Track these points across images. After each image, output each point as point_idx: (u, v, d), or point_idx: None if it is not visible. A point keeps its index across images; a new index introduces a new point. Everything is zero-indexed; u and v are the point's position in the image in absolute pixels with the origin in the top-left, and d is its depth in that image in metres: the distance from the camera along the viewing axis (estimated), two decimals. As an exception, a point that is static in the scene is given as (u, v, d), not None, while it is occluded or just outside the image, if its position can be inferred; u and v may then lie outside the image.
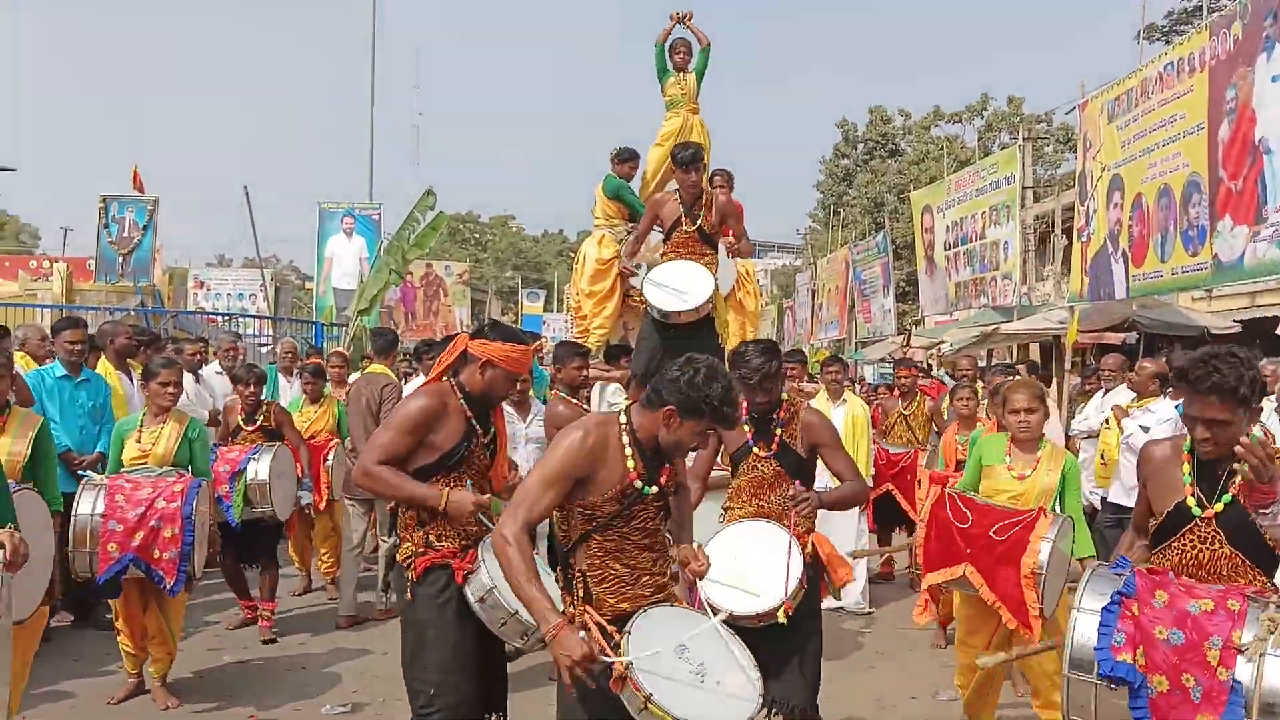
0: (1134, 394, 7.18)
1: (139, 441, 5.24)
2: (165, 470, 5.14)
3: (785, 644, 3.91)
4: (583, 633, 2.86)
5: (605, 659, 2.80)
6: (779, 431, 4.18)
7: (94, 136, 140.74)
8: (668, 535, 3.30)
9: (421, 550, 3.56)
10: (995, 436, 4.92)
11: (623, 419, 3.13)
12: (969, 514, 4.39)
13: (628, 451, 3.05)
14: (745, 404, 4.06)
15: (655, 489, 3.09)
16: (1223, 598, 2.82)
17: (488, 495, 3.59)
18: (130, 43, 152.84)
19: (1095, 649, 2.88)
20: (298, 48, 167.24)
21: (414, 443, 3.52)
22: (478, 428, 3.62)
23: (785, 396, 4.24)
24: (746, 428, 4.22)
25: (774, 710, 3.88)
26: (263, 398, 6.76)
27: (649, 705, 2.71)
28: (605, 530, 3.04)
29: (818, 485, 4.29)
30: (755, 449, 4.21)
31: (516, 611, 3.36)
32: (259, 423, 6.58)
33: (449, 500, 3.46)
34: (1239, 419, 2.92)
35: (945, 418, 7.79)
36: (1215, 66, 13.40)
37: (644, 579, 3.10)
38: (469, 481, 3.59)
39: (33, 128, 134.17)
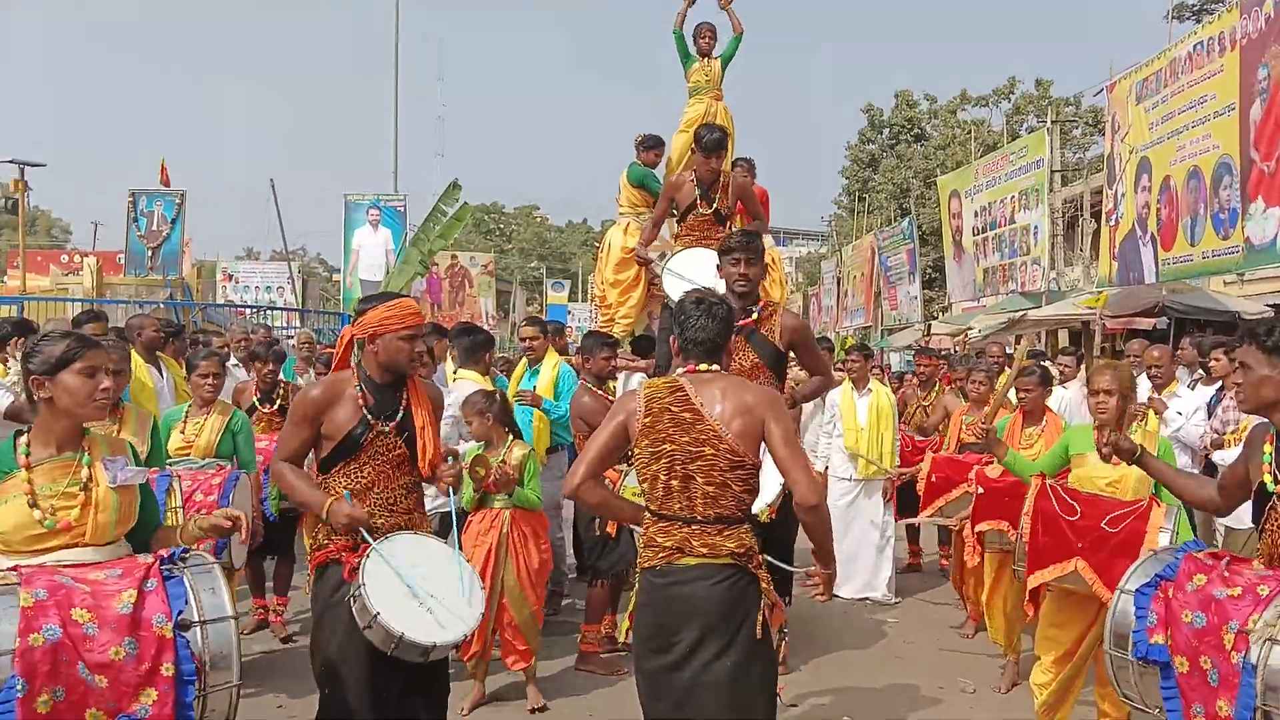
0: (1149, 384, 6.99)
1: (183, 433, 5.34)
2: (209, 462, 5.22)
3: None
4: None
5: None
6: (757, 325, 4.43)
7: (122, 131, 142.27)
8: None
9: (316, 546, 3.54)
10: (1083, 426, 4.83)
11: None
12: (1076, 506, 4.20)
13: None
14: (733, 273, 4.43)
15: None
16: (1256, 583, 2.81)
17: (366, 510, 3.43)
18: (157, 38, 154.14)
19: (1133, 631, 3.02)
20: (322, 41, 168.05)
21: (308, 435, 3.50)
22: (369, 415, 3.48)
23: (763, 294, 4.38)
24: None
25: None
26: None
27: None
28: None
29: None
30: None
31: (403, 634, 3.22)
32: (276, 403, 6.44)
33: (330, 510, 3.41)
34: (1272, 372, 2.92)
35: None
36: (1246, 45, 13.17)
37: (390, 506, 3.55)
38: (347, 493, 3.45)
39: (62, 123, 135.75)
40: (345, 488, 3.47)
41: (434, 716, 3.58)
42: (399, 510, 3.56)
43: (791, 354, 4.80)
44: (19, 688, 2.37)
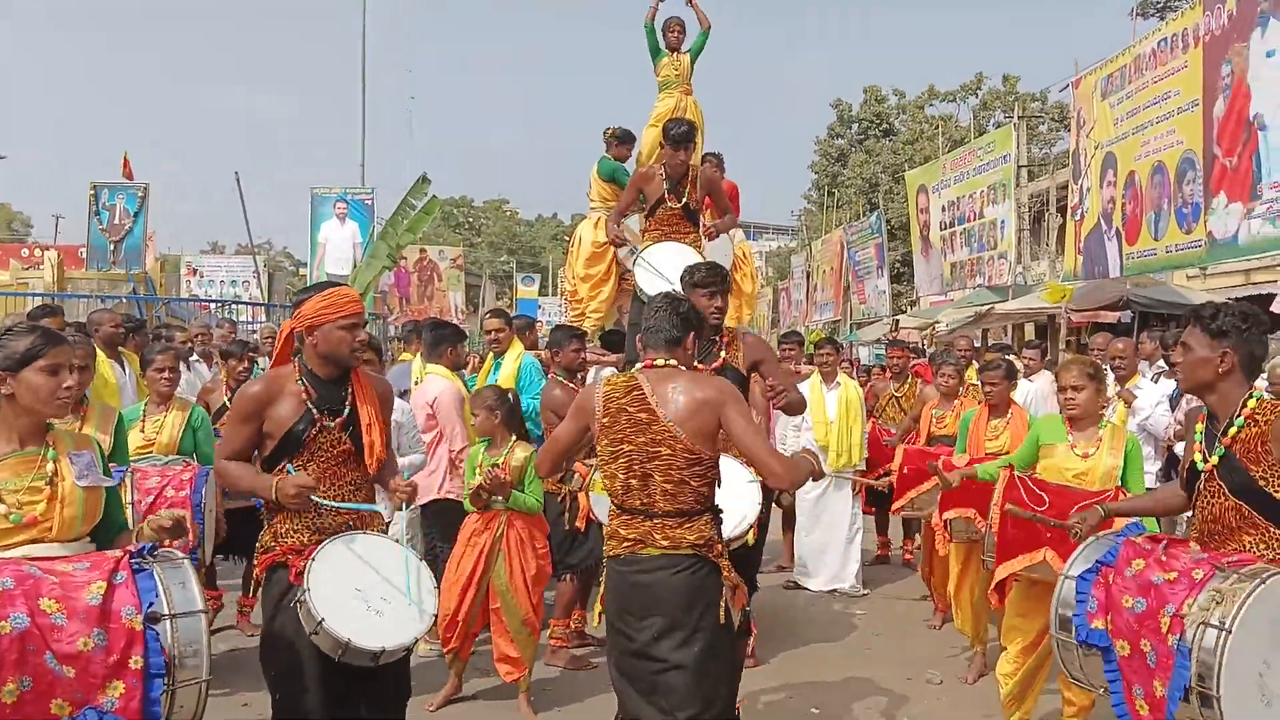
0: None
1: (143, 431, 5.20)
2: (172, 459, 5.11)
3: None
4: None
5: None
6: (722, 353, 4.45)
7: (84, 123, 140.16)
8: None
9: (263, 549, 3.40)
10: (1052, 416, 4.88)
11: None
12: (1044, 496, 4.24)
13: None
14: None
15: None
16: (1191, 568, 2.91)
17: (314, 478, 3.28)
18: (120, 29, 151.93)
19: (1074, 615, 3.14)
20: (288, 32, 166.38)
21: (250, 432, 3.37)
22: (314, 410, 3.34)
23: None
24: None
25: None
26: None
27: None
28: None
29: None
30: (699, 365, 4.12)
31: (349, 640, 3.13)
32: None
33: (277, 487, 3.25)
34: (1211, 354, 3.04)
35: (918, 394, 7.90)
36: (1210, 42, 13.34)
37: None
38: (290, 466, 3.32)
39: (23, 114, 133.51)
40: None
41: (391, 717, 3.49)
42: (343, 513, 3.42)
43: (755, 374, 4.75)
44: None
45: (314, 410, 3.34)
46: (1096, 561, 3.19)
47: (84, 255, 21.70)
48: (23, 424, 2.85)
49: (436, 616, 3.68)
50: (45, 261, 20.53)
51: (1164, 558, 3.02)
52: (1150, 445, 6.35)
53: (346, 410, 3.41)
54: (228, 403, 6.29)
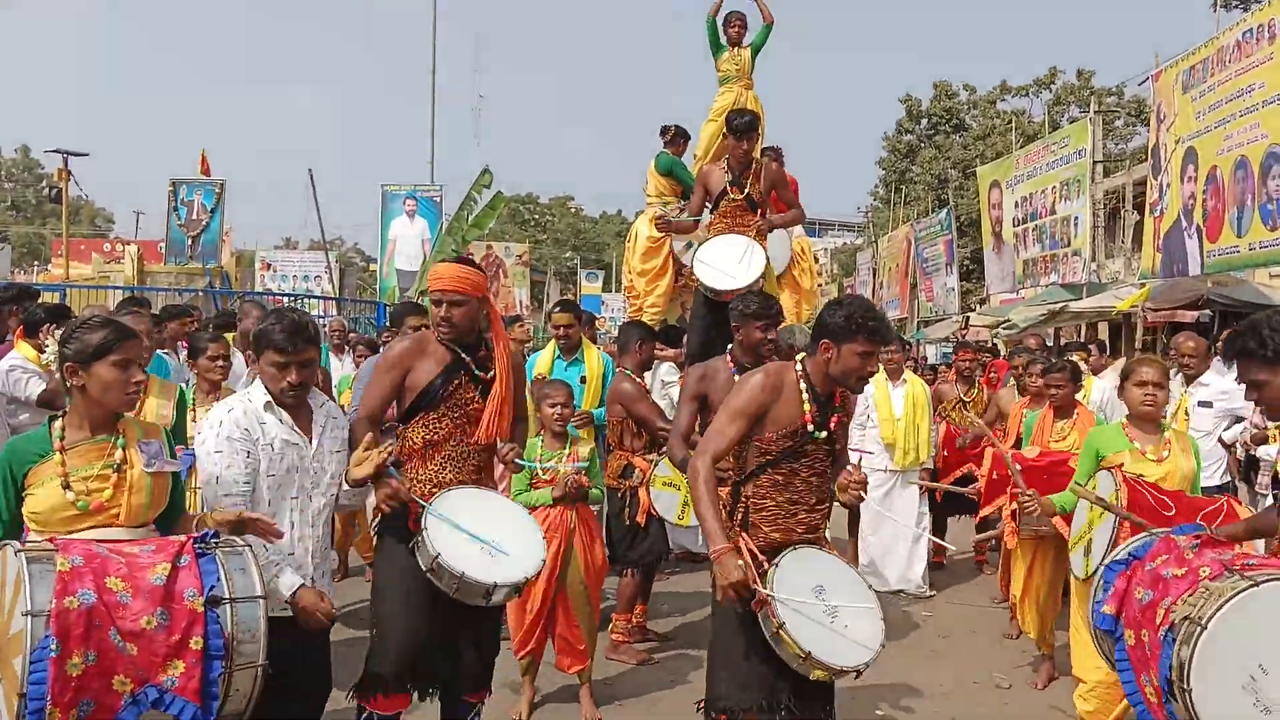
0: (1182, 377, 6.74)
1: (194, 420, 4.98)
2: None
3: None
4: (740, 561, 3.17)
5: (754, 587, 3.14)
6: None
7: (164, 122, 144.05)
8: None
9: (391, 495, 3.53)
10: (1106, 426, 4.71)
11: (798, 367, 3.40)
12: (1171, 503, 3.98)
13: (804, 396, 3.34)
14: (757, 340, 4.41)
15: (825, 434, 3.37)
16: (1203, 565, 2.90)
17: (435, 466, 3.62)
18: (198, 29, 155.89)
19: (1095, 601, 3.23)
20: (361, 32, 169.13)
21: (391, 386, 3.64)
22: (466, 360, 3.65)
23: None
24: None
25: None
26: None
27: (780, 632, 3.10)
28: (777, 465, 3.34)
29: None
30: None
31: (463, 574, 3.32)
32: None
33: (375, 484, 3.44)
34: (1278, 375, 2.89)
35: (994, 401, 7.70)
36: (1297, 32, 12.87)
37: (800, 516, 3.39)
38: (391, 468, 3.48)
39: (105, 114, 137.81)
40: (423, 439, 3.63)
41: (484, 658, 3.78)
42: (467, 468, 3.68)
43: None
44: (53, 648, 2.39)
45: (452, 370, 3.63)
46: (1129, 554, 3.22)
47: (163, 250, 22.34)
48: (94, 414, 2.91)
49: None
50: (126, 256, 21.17)
51: (1189, 555, 2.99)
52: (1219, 431, 6.11)
53: (489, 374, 3.71)
54: None
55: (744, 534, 3.33)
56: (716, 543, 3.17)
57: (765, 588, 3.13)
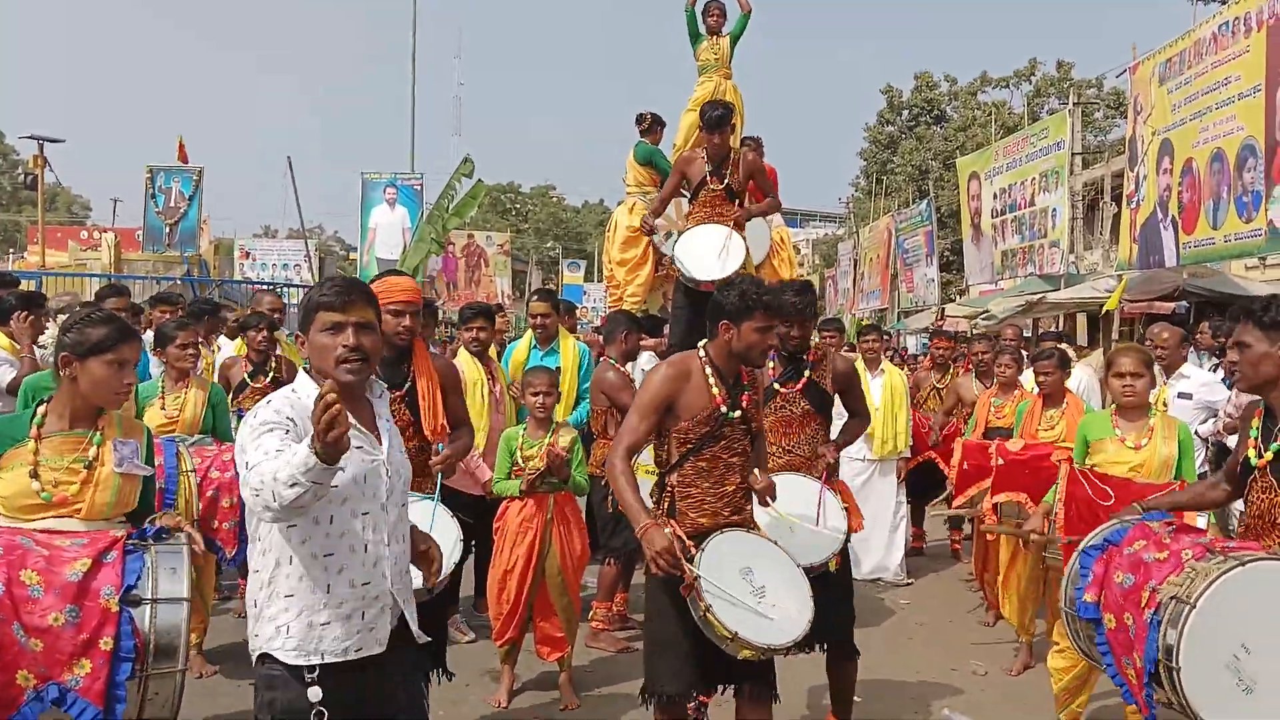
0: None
1: (163, 408, 4.95)
2: (200, 439, 4.88)
3: (825, 585, 3.97)
4: (667, 530, 3.25)
5: (678, 571, 3.18)
6: (808, 371, 4.34)
7: (141, 108, 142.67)
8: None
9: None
10: (1096, 413, 4.77)
11: (701, 354, 3.51)
12: (1109, 490, 4.11)
13: (710, 380, 3.44)
14: (777, 341, 4.24)
15: (738, 413, 3.46)
16: (1184, 549, 2.95)
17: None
18: (176, 14, 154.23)
19: (1075, 588, 3.27)
20: (341, 19, 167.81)
21: None
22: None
23: (815, 340, 4.41)
24: (772, 365, 4.33)
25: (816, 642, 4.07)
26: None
27: (707, 614, 3.15)
28: (699, 452, 3.43)
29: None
30: (780, 388, 4.31)
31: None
32: (270, 375, 5.99)
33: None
34: (1271, 348, 2.98)
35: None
36: (1274, 25, 12.96)
37: (725, 499, 3.48)
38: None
39: (81, 100, 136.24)
40: None
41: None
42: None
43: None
44: None
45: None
46: (1104, 539, 3.27)
47: (140, 238, 22.14)
48: (77, 406, 2.91)
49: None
50: (103, 244, 21.04)
51: (1167, 540, 3.05)
52: (1196, 424, 6.15)
53: (406, 384, 3.85)
54: (248, 379, 6.05)
55: (671, 521, 3.40)
56: (640, 519, 3.26)
57: (692, 571, 3.19)
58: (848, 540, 4.20)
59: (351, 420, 2.27)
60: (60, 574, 2.54)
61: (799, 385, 4.32)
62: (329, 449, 2.10)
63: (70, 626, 2.50)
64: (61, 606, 2.50)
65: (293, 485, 2.13)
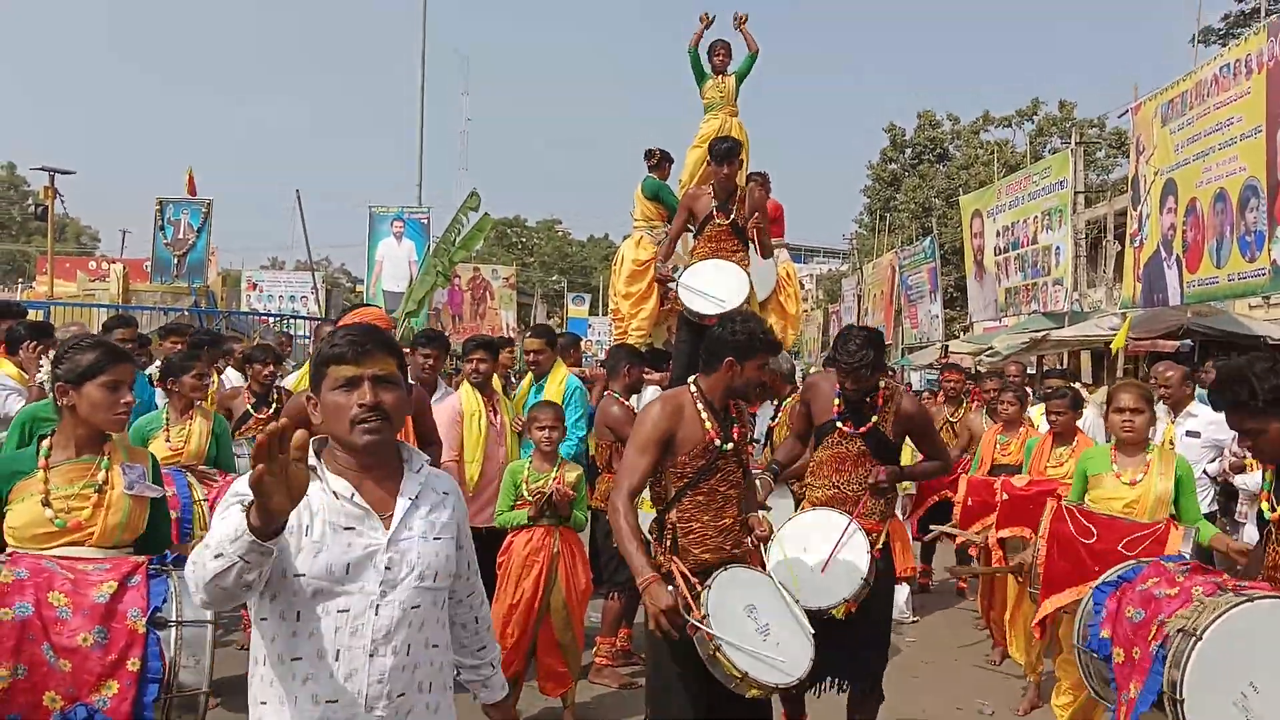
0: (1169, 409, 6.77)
1: (168, 440, 4.92)
2: (204, 470, 4.82)
3: (855, 625, 3.95)
4: (670, 588, 3.26)
5: (685, 615, 3.20)
6: (872, 415, 4.23)
7: (151, 141, 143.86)
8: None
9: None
10: (1097, 448, 4.79)
11: (692, 389, 3.55)
12: (1093, 529, 4.15)
13: (703, 414, 3.48)
14: (839, 384, 4.25)
15: (731, 445, 3.51)
16: (1195, 585, 2.96)
17: None
18: (187, 49, 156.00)
19: (1088, 625, 3.28)
20: (349, 55, 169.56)
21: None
22: None
23: (883, 384, 4.26)
24: (836, 402, 4.27)
25: (837, 683, 4.13)
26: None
27: (716, 654, 3.16)
28: (696, 486, 3.47)
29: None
30: (841, 425, 4.24)
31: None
32: (273, 407, 6.00)
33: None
34: (1272, 424, 2.84)
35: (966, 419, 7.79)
36: (1274, 68, 13.09)
37: (724, 532, 3.51)
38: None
39: (92, 132, 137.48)
40: None
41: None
42: None
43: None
44: None
45: None
46: (1119, 576, 3.29)
47: (149, 269, 22.25)
48: (80, 434, 2.94)
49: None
50: (111, 274, 21.09)
51: (1180, 579, 3.04)
52: (1204, 463, 6.16)
53: None
54: (251, 410, 6.07)
55: (675, 558, 3.41)
56: (643, 574, 3.24)
57: (699, 610, 3.21)
58: (876, 581, 4.00)
59: (343, 491, 2.03)
60: (88, 596, 2.56)
61: (862, 429, 4.21)
62: (261, 513, 1.76)
63: (99, 648, 2.51)
64: (90, 627, 2.51)
65: (217, 556, 1.80)
